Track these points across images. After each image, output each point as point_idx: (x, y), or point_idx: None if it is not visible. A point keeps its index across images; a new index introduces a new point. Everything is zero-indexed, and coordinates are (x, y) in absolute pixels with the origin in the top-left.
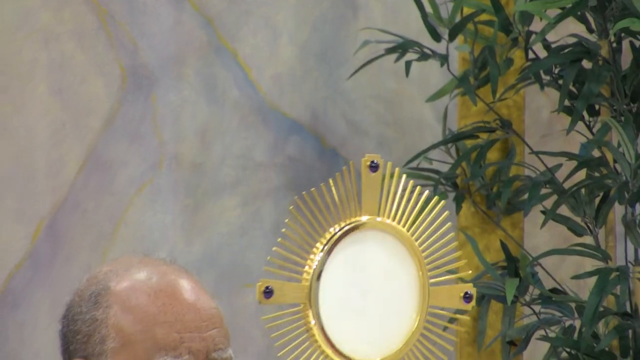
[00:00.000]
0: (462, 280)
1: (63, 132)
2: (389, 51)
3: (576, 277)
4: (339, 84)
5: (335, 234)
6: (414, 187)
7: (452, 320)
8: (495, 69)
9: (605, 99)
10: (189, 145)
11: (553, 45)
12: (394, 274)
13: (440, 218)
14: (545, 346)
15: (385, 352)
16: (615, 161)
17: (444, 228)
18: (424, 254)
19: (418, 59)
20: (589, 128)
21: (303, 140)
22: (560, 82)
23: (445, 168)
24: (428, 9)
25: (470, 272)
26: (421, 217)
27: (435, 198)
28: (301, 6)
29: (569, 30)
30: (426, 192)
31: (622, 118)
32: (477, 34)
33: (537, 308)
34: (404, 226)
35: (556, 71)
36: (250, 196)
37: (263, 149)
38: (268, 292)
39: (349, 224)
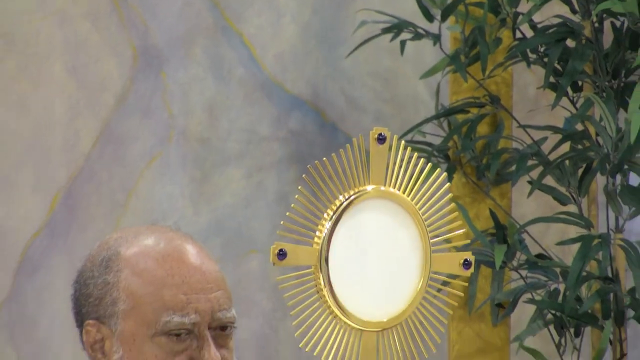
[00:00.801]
0: (456, 249)
1: (78, 108)
2: (385, 31)
3: (561, 243)
4: (338, 62)
5: (344, 202)
6: (418, 158)
7: (445, 284)
8: (484, 47)
9: (588, 76)
10: (197, 120)
11: (539, 26)
12: (398, 240)
13: (442, 189)
14: (532, 308)
15: (390, 313)
16: (597, 134)
17: (445, 198)
18: (426, 222)
19: (412, 39)
20: (573, 103)
21: (304, 115)
22: (546, 60)
23: (437, 141)
24: None
25: (468, 241)
26: (424, 187)
27: (438, 170)
28: None
29: (554, 12)
30: (429, 164)
31: (604, 94)
32: (468, 15)
33: (524, 273)
34: (408, 195)
35: (542, 50)
36: (254, 168)
37: (267, 123)
38: (282, 254)
39: (355, 193)
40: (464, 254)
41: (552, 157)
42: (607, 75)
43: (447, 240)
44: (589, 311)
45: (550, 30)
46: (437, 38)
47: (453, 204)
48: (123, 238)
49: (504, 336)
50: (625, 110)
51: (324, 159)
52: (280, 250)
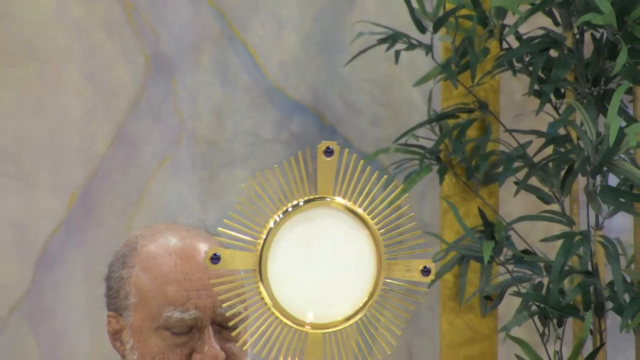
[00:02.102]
0: (447, 245)
1: (94, 112)
2: (381, 41)
3: (545, 240)
4: (337, 69)
5: (289, 208)
6: (372, 171)
7: (409, 291)
8: (474, 57)
9: (569, 84)
10: (205, 123)
11: (524, 37)
12: (347, 247)
13: (399, 200)
14: (518, 300)
15: (337, 318)
16: (578, 138)
17: (403, 209)
18: (381, 231)
19: (406, 49)
20: (556, 109)
21: (305, 119)
22: (531, 68)
23: (430, 144)
24: (415, 4)
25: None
26: (379, 198)
27: (395, 182)
28: (304, 1)
29: (538, 24)
30: (384, 177)
31: (585, 100)
32: (458, 27)
33: (510, 267)
34: (360, 206)
35: (527, 59)
36: (258, 168)
37: (270, 126)
38: (215, 259)
39: (303, 200)
40: (424, 261)
41: (536, 159)
42: (588, 83)
43: (410, 248)
44: (571, 303)
45: (535, 41)
46: (429, 48)
47: (412, 215)
48: (142, 236)
49: (492, 326)
50: (605, 115)
51: (275, 166)
52: (215, 254)
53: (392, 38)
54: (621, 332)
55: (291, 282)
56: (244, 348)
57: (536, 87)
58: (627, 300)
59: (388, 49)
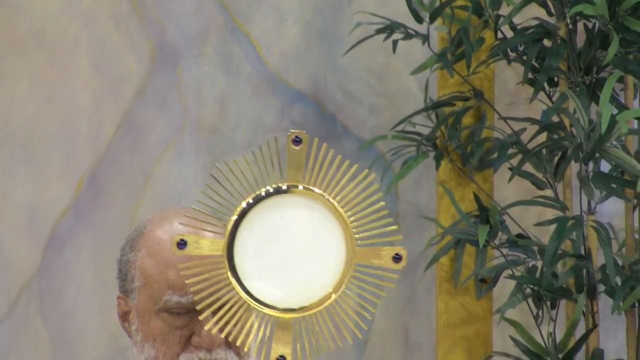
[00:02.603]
0: (442, 229)
1: (101, 100)
2: (379, 31)
3: (538, 224)
4: (336, 59)
5: (258, 195)
6: (342, 160)
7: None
8: (469, 46)
9: (562, 73)
10: (209, 111)
11: (518, 27)
12: (316, 234)
13: (370, 188)
14: (512, 283)
15: (306, 304)
16: (571, 125)
17: (374, 197)
18: (351, 219)
19: (403, 38)
20: (549, 97)
21: (305, 107)
22: (525, 58)
23: (426, 131)
24: None
25: (400, 236)
26: (350, 186)
27: (366, 171)
28: None
29: (532, 14)
30: (355, 166)
31: (577, 89)
32: (454, 17)
33: (505, 251)
34: (330, 194)
35: (521, 49)
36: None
37: (271, 114)
38: (182, 244)
39: (272, 188)
40: (396, 248)
41: (530, 146)
42: (580, 72)
43: (382, 235)
44: (564, 286)
45: (529, 31)
46: (425, 38)
47: (382, 203)
48: (150, 221)
49: (487, 308)
50: (597, 103)
51: (244, 155)
52: (181, 239)
53: (389, 28)
54: (613, 314)
55: (259, 268)
56: (230, 339)
57: (530, 75)
58: (619, 283)
59: (386, 38)
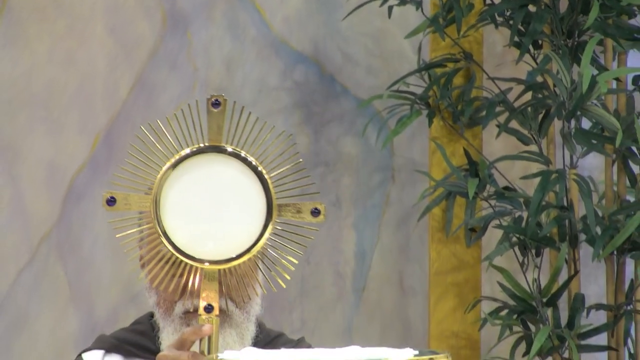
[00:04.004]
0: (435, 182)
1: (116, 62)
2: None
3: (524, 177)
4: (335, 24)
5: (182, 154)
6: (261, 121)
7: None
8: (459, 12)
9: (546, 36)
10: (216, 72)
11: None
12: (238, 190)
13: (288, 147)
14: (499, 232)
15: (231, 255)
16: (554, 85)
17: (292, 156)
18: (271, 175)
19: (398, 4)
20: (534, 59)
21: (307, 69)
22: (511, 22)
23: (419, 90)
24: None
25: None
26: (269, 145)
27: (283, 131)
28: None
29: None
30: (273, 127)
31: (560, 51)
32: None
33: (492, 202)
34: (249, 152)
35: (508, 13)
36: (265, 113)
37: (275, 75)
38: (112, 201)
39: (195, 148)
40: (314, 203)
41: (516, 104)
42: (563, 35)
43: (301, 191)
44: (548, 235)
45: None
46: (419, 4)
47: (301, 160)
48: None
49: (476, 256)
50: (578, 65)
51: (167, 117)
52: (111, 197)
53: None
54: (593, 261)
55: (185, 223)
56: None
57: (516, 39)
58: (599, 232)
59: (382, 4)
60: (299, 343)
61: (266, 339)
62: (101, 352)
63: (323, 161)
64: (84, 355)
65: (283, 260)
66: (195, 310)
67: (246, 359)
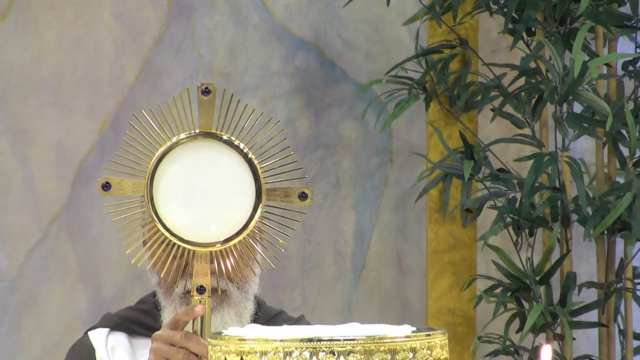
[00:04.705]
0: (432, 164)
1: (123, 48)
2: None
3: (518, 160)
4: (335, 11)
5: (174, 140)
6: (251, 109)
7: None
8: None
9: (539, 23)
10: (220, 58)
11: None
12: (228, 175)
13: (277, 133)
14: (494, 213)
15: (223, 236)
16: (547, 71)
17: (281, 141)
18: (260, 160)
19: None
20: (527, 45)
21: (308, 54)
22: (505, 9)
23: (417, 75)
24: None
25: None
26: (258, 132)
27: (271, 118)
28: None
29: None
30: (262, 113)
31: (553, 38)
32: None
33: (487, 184)
34: (238, 138)
35: (502, 1)
36: (267, 98)
37: (277, 61)
38: (107, 186)
39: (186, 135)
40: (301, 187)
41: (510, 89)
42: (555, 22)
43: (288, 176)
44: (541, 215)
45: None
46: None
47: (289, 147)
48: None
49: (472, 235)
50: (570, 51)
51: (159, 104)
52: (106, 182)
53: None
54: (584, 240)
55: (178, 206)
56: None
57: (510, 26)
58: (590, 212)
59: None
60: (298, 320)
61: (266, 316)
62: (106, 330)
63: (323, 144)
64: (89, 333)
65: (272, 243)
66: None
67: (249, 335)
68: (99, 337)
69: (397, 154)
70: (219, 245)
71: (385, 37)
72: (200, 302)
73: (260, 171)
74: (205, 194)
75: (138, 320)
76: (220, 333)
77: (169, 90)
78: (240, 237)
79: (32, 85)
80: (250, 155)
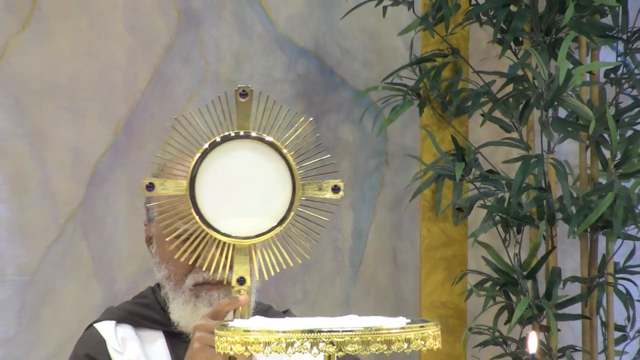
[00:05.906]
0: (425, 165)
1: (135, 56)
2: None
3: (506, 161)
4: (334, 22)
5: (213, 142)
6: (283, 110)
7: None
8: (447, 11)
9: (526, 33)
10: (226, 66)
11: None
12: (265, 172)
13: (308, 131)
14: (484, 212)
15: (261, 230)
16: (534, 78)
17: (313, 138)
18: (294, 157)
19: (392, 4)
20: (515, 54)
21: (308, 62)
22: (494, 20)
23: (411, 82)
24: None
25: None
26: (291, 130)
27: (304, 117)
28: None
29: None
30: (295, 113)
31: (539, 47)
32: None
33: (478, 184)
34: (274, 137)
35: (491, 13)
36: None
37: (279, 68)
38: (150, 186)
39: (224, 135)
40: (334, 181)
41: (499, 95)
42: (541, 33)
43: (319, 170)
44: (528, 214)
45: None
46: (410, 4)
47: (321, 143)
48: (171, 160)
49: (463, 233)
50: (555, 59)
51: (199, 108)
52: (149, 183)
53: None
54: (569, 237)
55: (218, 203)
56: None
57: (499, 36)
58: (574, 211)
59: (377, 4)
60: (285, 314)
61: (259, 310)
62: (113, 322)
63: (323, 147)
64: (96, 325)
65: (307, 235)
66: (205, 282)
67: (254, 327)
68: (107, 329)
69: (393, 156)
70: (258, 237)
71: (382, 46)
72: (240, 292)
73: (294, 166)
74: (244, 190)
75: (142, 314)
76: (226, 325)
77: (178, 96)
78: (278, 230)
79: (49, 91)
80: (284, 152)
